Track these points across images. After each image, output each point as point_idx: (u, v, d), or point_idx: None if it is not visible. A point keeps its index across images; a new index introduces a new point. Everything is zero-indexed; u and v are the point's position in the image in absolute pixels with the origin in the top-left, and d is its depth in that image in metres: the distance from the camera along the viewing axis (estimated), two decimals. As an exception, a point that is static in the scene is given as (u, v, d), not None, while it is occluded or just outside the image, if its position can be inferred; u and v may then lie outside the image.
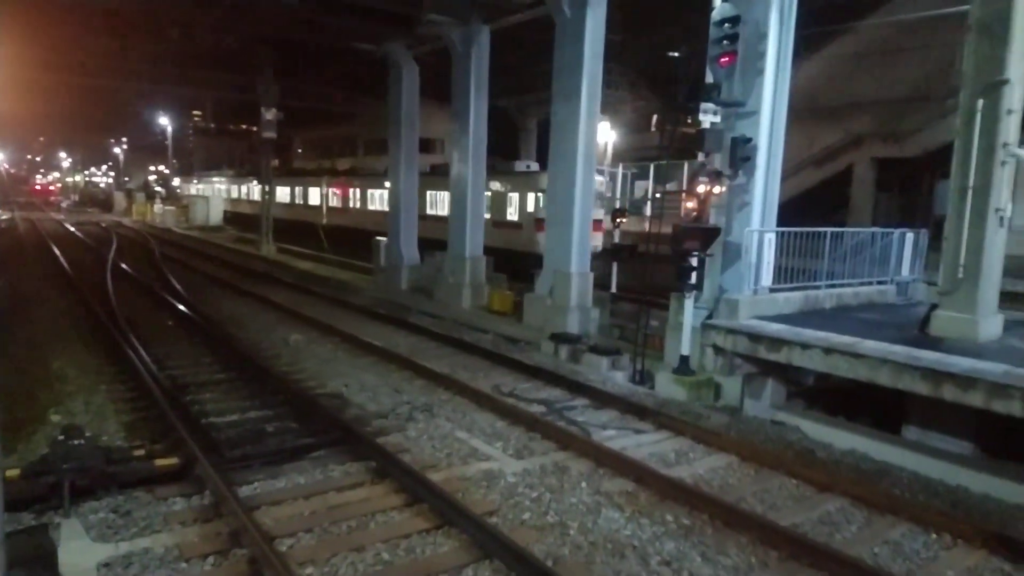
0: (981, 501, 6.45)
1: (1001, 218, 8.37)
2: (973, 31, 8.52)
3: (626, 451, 7.31)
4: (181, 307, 14.49)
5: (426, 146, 30.12)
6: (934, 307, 8.84)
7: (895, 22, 21.61)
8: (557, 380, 9.95)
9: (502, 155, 30.67)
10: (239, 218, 47.22)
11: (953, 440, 7.45)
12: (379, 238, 20.35)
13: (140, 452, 6.37)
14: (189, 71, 32.59)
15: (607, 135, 30.96)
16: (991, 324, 8.68)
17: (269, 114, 29.32)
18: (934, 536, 5.67)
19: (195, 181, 59.48)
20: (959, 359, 7.36)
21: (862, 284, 11.38)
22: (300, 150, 54.48)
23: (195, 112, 54.90)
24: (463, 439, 7.56)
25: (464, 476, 6.54)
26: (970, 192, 8.41)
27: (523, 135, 37.82)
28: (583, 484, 6.46)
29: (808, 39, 15.68)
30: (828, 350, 7.99)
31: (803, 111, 17.94)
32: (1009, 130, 8.33)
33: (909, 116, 22.14)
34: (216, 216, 50.64)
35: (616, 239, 17.86)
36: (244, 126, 51.68)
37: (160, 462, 6.20)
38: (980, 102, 8.34)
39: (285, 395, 8.71)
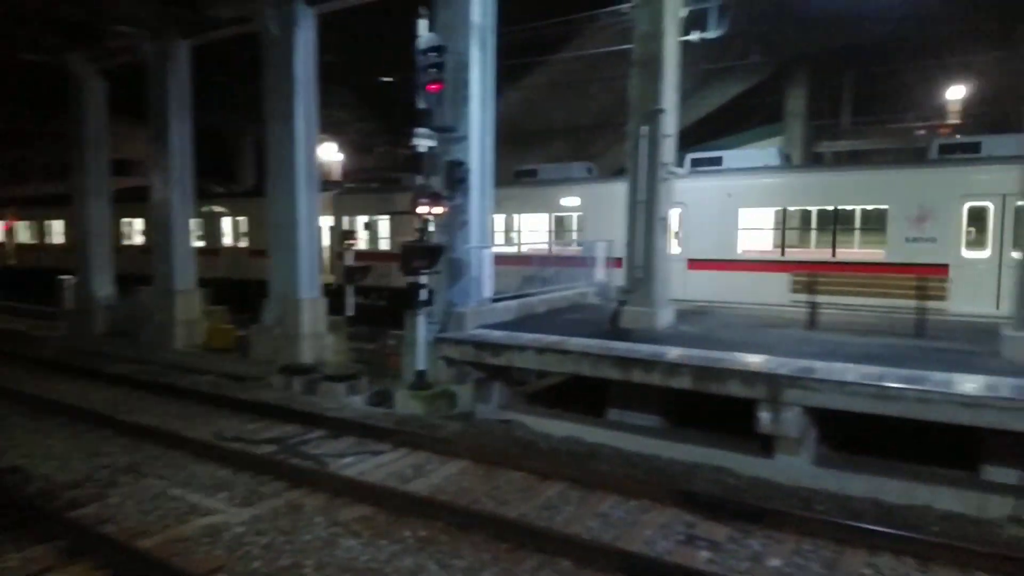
0: (669, 465, 7.56)
1: (665, 225, 10.00)
2: (636, 67, 10.08)
3: (363, 476, 7.21)
4: None
5: (123, 168, 26.71)
6: (622, 303, 10.23)
7: (583, 57, 24.64)
8: (289, 415, 9.47)
9: (219, 176, 28.48)
10: None
11: (645, 416, 8.63)
12: (64, 277, 17.55)
13: None
14: None
15: (334, 156, 30.51)
16: (666, 314, 10.31)
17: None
18: (634, 503, 6.48)
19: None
20: (643, 346, 8.61)
21: (568, 289, 12.75)
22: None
23: None
24: (179, 496, 6.79)
25: (182, 536, 5.88)
26: (641, 205, 9.92)
27: (237, 155, 35.60)
28: (318, 519, 6.21)
29: (510, 70, 17.16)
30: (540, 350, 8.78)
31: (509, 137, 19.53)
32: (667, 151, 10.01)
33: (596, 141, 25.40)
34: None
35: (349, 261, 17.64)
36: None
37: None
38: (644, 128, 9.89)
39: (-63, 479, 7.04)
